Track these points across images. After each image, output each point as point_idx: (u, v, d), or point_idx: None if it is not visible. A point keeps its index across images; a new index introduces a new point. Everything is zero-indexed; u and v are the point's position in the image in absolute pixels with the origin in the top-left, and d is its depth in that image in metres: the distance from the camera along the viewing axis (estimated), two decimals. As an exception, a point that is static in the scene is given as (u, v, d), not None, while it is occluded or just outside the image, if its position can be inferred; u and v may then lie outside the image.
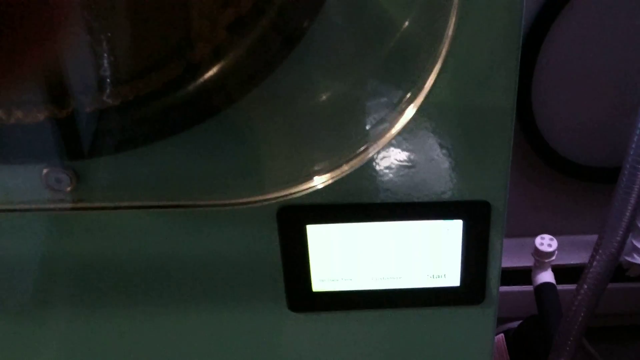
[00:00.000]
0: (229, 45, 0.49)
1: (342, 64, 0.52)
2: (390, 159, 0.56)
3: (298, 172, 0.55)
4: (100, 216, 0.58)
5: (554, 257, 1.09)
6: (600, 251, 0.87)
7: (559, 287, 1.13)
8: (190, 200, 0.55)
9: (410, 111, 0.53)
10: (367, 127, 0.54)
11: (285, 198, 0.55)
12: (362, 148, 0.54)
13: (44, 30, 0.48)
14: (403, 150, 0.55)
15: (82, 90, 0.50)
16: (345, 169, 0.55)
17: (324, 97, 0.53)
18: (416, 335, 0.66)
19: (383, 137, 0.54)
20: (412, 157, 0.56)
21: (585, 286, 0.90)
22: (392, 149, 0.55)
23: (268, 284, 0.62)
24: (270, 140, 0.55)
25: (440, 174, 0.57)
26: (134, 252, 0.60)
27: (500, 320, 0.67)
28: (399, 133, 0.54)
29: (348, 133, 0.54)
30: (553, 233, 1.13)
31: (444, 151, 0.56)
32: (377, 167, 0.56)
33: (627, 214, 0.82)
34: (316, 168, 0.55)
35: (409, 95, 0.52)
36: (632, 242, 1.14)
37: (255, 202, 0.55)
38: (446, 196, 0.58)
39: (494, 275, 0.63)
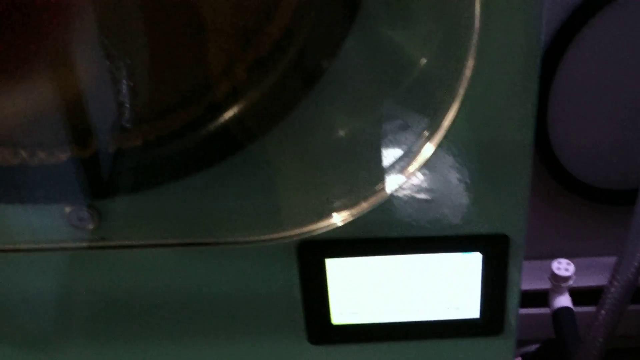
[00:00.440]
0: (249, 85, 0.49)
1: (361, 101, 0.52)
2: (409, 193, 0.56)
3: (317, 209, 0.55)
4: (121, 253, 0.58)
5: (571, 282, 1.09)
6: (617, 276, 0.87)
7: (577, 309, 1.12)
8: (211, 238, 0.56)
9: (428, 148, 0.53)
10: (386, 165, 0.54)
11: (304, 236, 0.56)
12: (380, 185, 0.54)
13: (67, 72, 0.49)
14: (422, 185, 0.55)
15: (104, 130, 0.50)
16: (365, 206, 0.55)
17: (342, 135, 0.53)
18: (436, 366, 0.66)
19: (402, 175, 0.54)
20: (430, 191, 0.56)
21: (603, 312, 0.90)
22: (411, 184, 0.55)
23: (288, 317, 0.62)
24: (290, 178, 0.55)
25: (459, 207, 0.57)
26: (155, 288, 0.60)
27: (518, 343, 0.67)
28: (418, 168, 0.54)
29: (367, 170, 0.54)
30: (570, 255, 1.13)
31: (463, 185, 0.56)
32: (396, 202, 0.56)
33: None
34: (335, 205, 0.55)
35: (427, 132, 0.53)
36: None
37: (275, 239, 0.56)
38: (465, 229, 0.58)
39: (512, 307, 0.63)
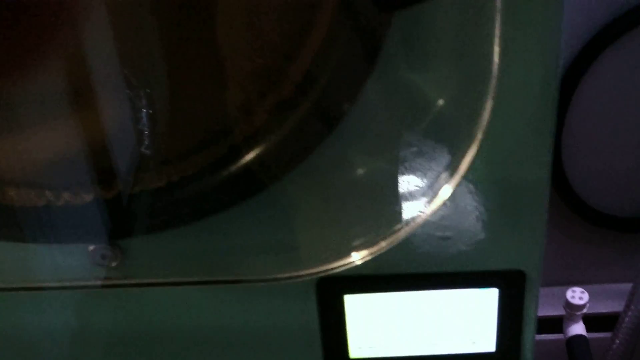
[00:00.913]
0: (270, 127, 0.50)
1: (381, 142, 0.53)
2: (427, 231, 0.56)
3: (337, 248, 0.56)
4: (143, 290, 0.59)
5: (585, 310, 1.09)
6: (632, 305, 0.87)
7: (591, 335, 1.12)
8: (232, 275, 0.56)
9: (447, 188, 0.53)
10: (405, 204, 0.55)
11: (323, 274, 0.56)
12: (399, 225, 0.55)
13: (92, 115, 0.50)
14: (440, 222, 0.56)
15: (127, 172, 0.51)
16: (383, 245, 0.55)
17: (362, 174, 0.54)
18: (452, 399, 0.66)
19: (420, 214, 0.54)
20: (448, 229, 0.56)
21: (618, 341, 0.90)
22: (429, 221, 0.56)
23: (306, 352, 0.63)
24: (310, 217, 0.56)
25: (476, 244, 0.58)
26: (177, 324, 0.61)
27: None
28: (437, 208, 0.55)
29: (386, 210, 0.55)
30: (584, 282, 1.13)
31: (480, 223, 0.56)
32: (414, 239, 0.57)
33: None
34: (354, 244, 0.56)
35: (446, 172, 0.53)
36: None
37: (294, 277, 0.56)
38: (482, 265, 0.59)
39: (528, 341, 0.64)
